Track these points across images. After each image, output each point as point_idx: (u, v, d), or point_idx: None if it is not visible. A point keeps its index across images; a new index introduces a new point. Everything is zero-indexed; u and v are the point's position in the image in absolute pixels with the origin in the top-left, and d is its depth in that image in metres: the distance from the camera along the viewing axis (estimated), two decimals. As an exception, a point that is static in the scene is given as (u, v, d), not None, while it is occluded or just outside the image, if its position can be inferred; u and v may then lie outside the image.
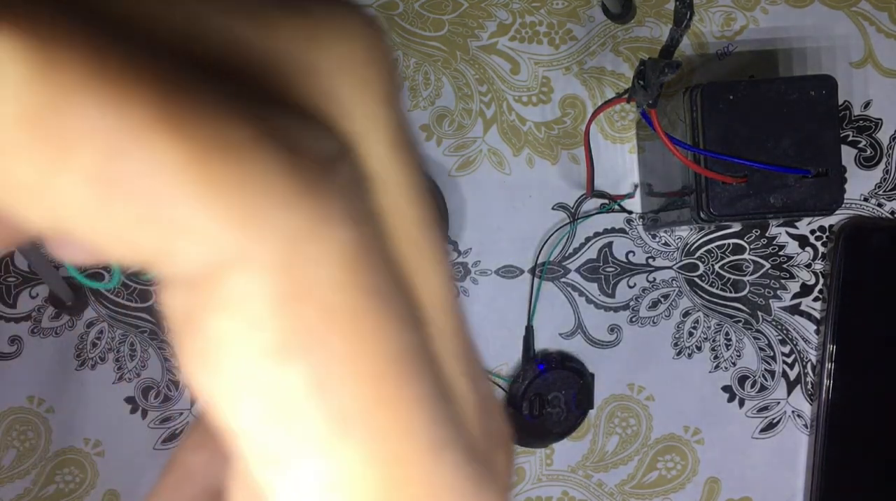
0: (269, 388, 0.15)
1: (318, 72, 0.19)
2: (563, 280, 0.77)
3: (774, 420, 0.78)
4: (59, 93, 0.15)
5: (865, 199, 0.78)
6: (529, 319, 0.77)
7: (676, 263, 0.78)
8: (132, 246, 0.16)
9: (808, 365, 0.78)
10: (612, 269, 0.78)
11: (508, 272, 0.77)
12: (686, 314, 0.78)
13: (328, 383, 0.15)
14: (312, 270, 0.17)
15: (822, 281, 0.78)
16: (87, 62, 0.15)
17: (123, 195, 0.15)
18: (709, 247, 0.78)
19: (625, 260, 0.78)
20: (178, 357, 0.17)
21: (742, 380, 0.78)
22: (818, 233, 0.78)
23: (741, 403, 0.78)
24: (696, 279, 0.78)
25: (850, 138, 0.78)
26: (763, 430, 0.78)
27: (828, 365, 0.76)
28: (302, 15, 0.19)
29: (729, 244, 0.78)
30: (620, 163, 0.77)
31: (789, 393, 0.78)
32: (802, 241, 0.78)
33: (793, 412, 0.78)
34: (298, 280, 0.16)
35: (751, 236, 0.78)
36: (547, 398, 0.75)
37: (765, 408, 0.78)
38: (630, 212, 0.77)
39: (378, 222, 0.18)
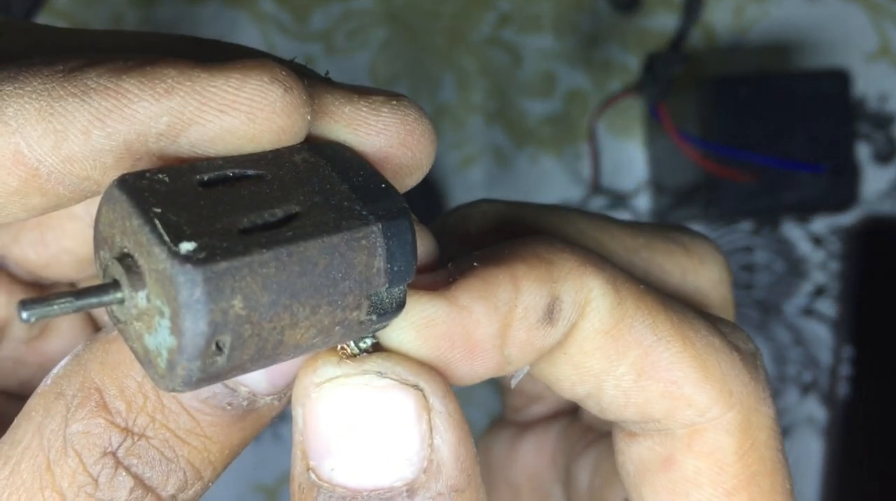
0: None
1: (698, 291, 0.31)
2: (568, 280, 0.75)
3: (786, 427, 0.76)
4: (624, 316, 0.25)
5: (882, 196, 0.76)
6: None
7: (685, 263, 0.76)
8: (645, 409, 0.26)
9: (823, 369, 0.76)
10: (619, 269, 0.76)
11: (512, 272, 0.75)
12: (695, 315, 0.76)
13: None
14: (755, 433, 0.27)
15: (837, 281, 0.76)
16: (634, 298, 0.25)
17: (651, 378, 0.26)
18: (719, 245, 0.76)
19: (632, 260, 0.76)
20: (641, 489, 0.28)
21: (753, 384, 0.76)
22: (833, 232, 0.76)
23: (752, 407, 0.76)
24: (705, 279, 0.76)
25: (865, 134, 0.76)
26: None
27: (844, 369, 0.74)
28: (682, 249, 0.31)
29: (740, 243, 0.76)
30: (627, 159, 0.76)
31: (802, 397, 0.76)
32: (816, 240, 0.76)
33: (806, 418, 0.76)
34: (750, 439, 0.26)
35: (763, 234, 0.76)
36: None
37: (776, 413, 0.76)
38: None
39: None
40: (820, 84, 0.64)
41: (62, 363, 0.24)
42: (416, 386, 0.23)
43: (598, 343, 0.25)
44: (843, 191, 0.64)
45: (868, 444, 0.73)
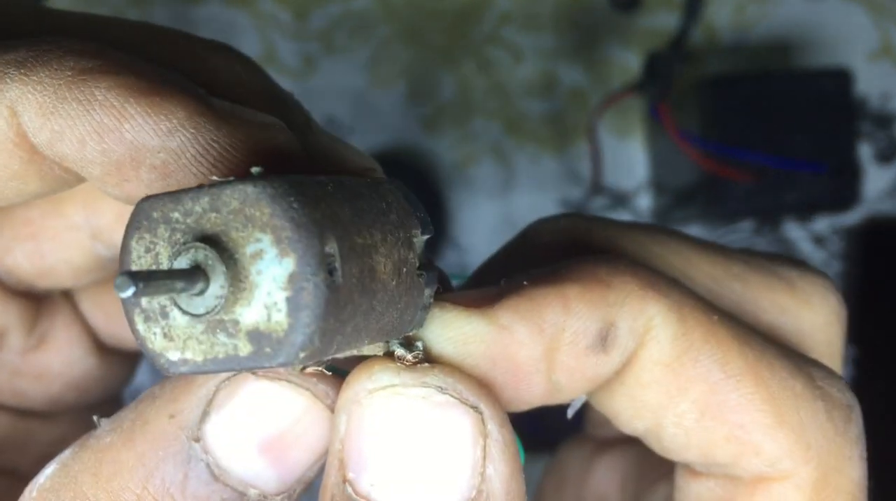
0: None
1: (799, 334, 0.27)
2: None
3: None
4: (689, 348, 0.23)
5: (884, 196, 0.76)
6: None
7: (686, 263, 0.76)
8: (707, 451, 0.24)
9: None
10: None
11: (512, 272, 0.75)
12: (696, 315, 0.76)
13: None
14: (832, 495, 0.24)
15: (838, 281, 0.76)
16: (703, 330, 0.23)
17: (715, 419, 0.23)
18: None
19: (632, 260, 0.75)
20: None
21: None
22: (835, 232, 0.76)
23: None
24: (706, 279, 0.76)
25: (867, 133, 0.76)
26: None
27: (847, 370, 0.74)
28: (785, 285, 0.27)
29: (741, 243, 0.76)
30: (628, 159, 0.75)
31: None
32: (818, 240, 0.76)
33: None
34: (823, 499, 0.23)
35: (764, 234, 0.76)
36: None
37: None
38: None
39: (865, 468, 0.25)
40: (821, 83, 0.64)
41: (47, 472, 0.22)
42: (476, 408, 0.21)
43: (657, 375, 0.23)
44: (844, 190, 0.64)
45: (870, 444, 0.73)
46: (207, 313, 0.19)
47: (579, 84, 0.75)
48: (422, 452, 0.21)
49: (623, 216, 0.75)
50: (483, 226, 0.75)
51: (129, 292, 0.17)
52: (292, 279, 0.18)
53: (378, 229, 0.20)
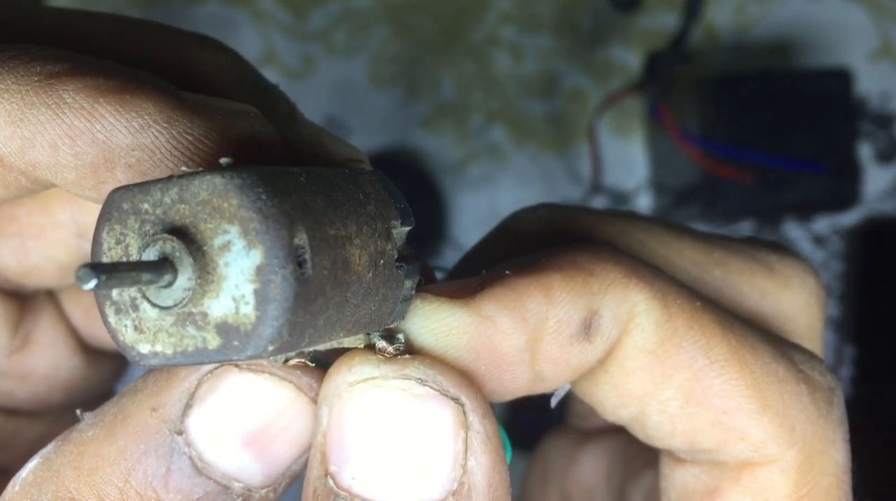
0: None
1: (779, 316, 0.27)
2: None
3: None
4: (672, 334, 0.23)
5: (884, 196, 0.76)
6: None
7: (686, 263, 0.76)
8: (693, 438, 0.24)
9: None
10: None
11: (512, 272, 0.75)
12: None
13: None
14: (817, 478, 0.24)
15: (838, 281, 0.75)
16: (686, 316, 0.23)
17: (700, 405, 0.23)
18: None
19: (632, 260, 0.75)
20: None
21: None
22: (835, 232, 0.76)
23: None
24: (706, 279, 0.76)
25: (867, 133, 0.76)
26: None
27: (846, 370, 0.74)
28: (765, 268, 0.27)
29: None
30: (628, 159, 0.75)
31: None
32: (818, 240, 0.76)
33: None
34: (808, 484, 0.24)
35: (764, 234, 0.76)
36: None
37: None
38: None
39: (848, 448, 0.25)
40: (821, 83, 0.64)
41: (30, 466, 0.22)
42: (457, 400, 0.21)
43: (640, 362, 0.23)
44: (844, 190, 0.64)
45: (870, 444, 0.73)
46: (176, 305, 0.19)
47: (579, 84, 0.75)
48: (402, 444, 0.21)
49: (623, 216, 0.75)
50: (483, 225, 0.75)
51: (91, 284, 0.17)
52: (260, 271, 0.18)
53: (353, 220, 0.20)
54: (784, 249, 0.29)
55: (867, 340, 0.73)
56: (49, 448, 0.22)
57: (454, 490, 0.21)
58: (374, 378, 0.21)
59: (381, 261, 0.21)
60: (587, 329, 0.22)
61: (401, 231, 0.22)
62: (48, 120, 0.20)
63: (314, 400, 0.23)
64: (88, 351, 0.33)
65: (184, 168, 0.20)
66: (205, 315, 0.19)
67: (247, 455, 0.22)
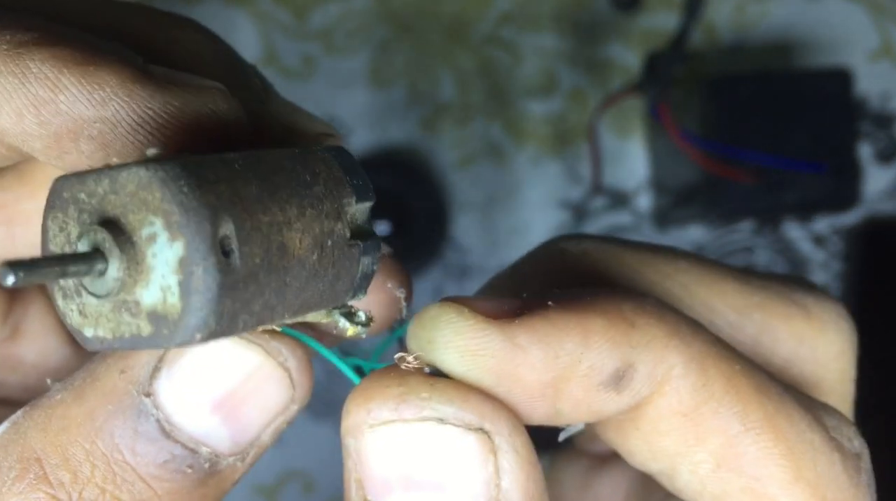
0: None
1: (815, 362, 0.28)
2: (568, 280, 0.75)
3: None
4: (709, 399, 0.23)
5: (884, 196, 0.76)
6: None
7: (686, 263, 0.76)
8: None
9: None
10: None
11: (512, 272, 0.75)
12: (696, 315, 0.76)
13: None
14: None
15: (838, 282, 0.75)
16: (724, 381, 0.23)
17: (732, 471, 0.23)
18: (720, 245, 0.76)
19: (632, 260, 0.75)
20: None
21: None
22: (835, 232, 0.76)
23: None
24: (706, 279, 0.76)
25: (867, 133, 0.76)
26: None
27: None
28: (802, 313, 0.27)
29: (741, 243, 0.76)
30: (628, 159, 0.75)
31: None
32: (818, 240, 0.76)
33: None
34: None
35: (764, 234, 0.76)
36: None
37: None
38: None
39: None
40: (821, 83, 0.64)
41: None
42: (480, 429, 0.21)
43: (674, 424, 0.23)
44: (844, 190, 0.64)
45: (870, 444, 0.73)
46: (108, 295, 0.19)
47: (579, 84, 0.75)
48: (434, 478, 0.21)
49: (623, 216, 0.75)
50: (483, 226, 0.75)
51: (9, 282, 0.17)
52: (182, 263, 0.18)
53: (294, 204, 0.20)
54: (819, 291, 0.29)
55: (867, 340, 0.73)
56: (19, 413, 0.22)
57: None
58: (393, 421, 0.21)
59: (330, 242, 0.21)
60: (619, 380, 0.22)
61: (359, 208, 0.22)
62: (14, 88, 0.20)
63: (283, 365, 0.23)
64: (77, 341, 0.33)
65: (115, 159, 0.21)
66: (137, 303, 0.19)
67: (214, 418, 0.22)
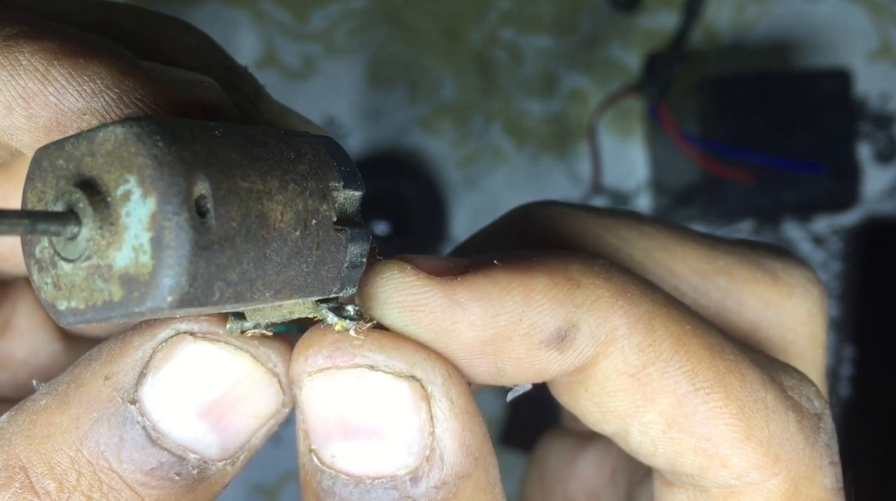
0: None
1: (782, 326, 0.27)
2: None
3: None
4: (656, 359, 0.22)
5: (883, 196, 0.75)
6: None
7: (686, 263, 0.76)
8: (674, 461, 0.24)
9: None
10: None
11: (512, 272, 0.75)
12: (696, 315, 0.76)
13: None
14: None
15: (838, 281, 0.75)
16: (673, 340, 0.22)
17: (682, 431, 0.23)
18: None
19: (632, 260, 0.75)
20: None
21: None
22: (834, 232, 0.76)
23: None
24: (706, 279, 0.76)
25: (866, 133, 0.76)
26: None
27: (846, 369, 0.74)
28: (769, 277, 0.27)
29: (740, 243, 0.76)
30: (628, 159, 0.75)
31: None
32: (817, 240, 0.76)
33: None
34: None
35: (763, 234, 0.76)
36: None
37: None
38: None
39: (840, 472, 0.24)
40: (821, 83, 0.64)
41: None
42: (412, 377, 0.21)
43: (621, 385, 0.23)
44: (843, 190, 0.64)
45: (870, 444, 0.73)
46: (80, 258, 0.19)
47: (579, 84, 0.75)
48: (370, 424, 0.21)
49: (623, 216, 0.75)
50: (482, 226, 0.75)
51: None
52: (154, 218, 0.18)
53: (276, 176, 0.20)
54: (788, 255, 0.28)
55: (866, 340, 0.73)
56: (3, 417, 0.22)
57: (427, 456, 0.21)
58: (328, 368, 0.21)
59: (314, 221, 0.21)
60: (561, 340, 0.22)
61: (348, 195, 0.22)
62: (3, 81, 0.20)
63: (272, 371, 0.23)
64: (68, 337, 0.32)
65: (94, 122, 0.20)
66: (110, 267, 0.19)
67: (202, 425, 0.22)
